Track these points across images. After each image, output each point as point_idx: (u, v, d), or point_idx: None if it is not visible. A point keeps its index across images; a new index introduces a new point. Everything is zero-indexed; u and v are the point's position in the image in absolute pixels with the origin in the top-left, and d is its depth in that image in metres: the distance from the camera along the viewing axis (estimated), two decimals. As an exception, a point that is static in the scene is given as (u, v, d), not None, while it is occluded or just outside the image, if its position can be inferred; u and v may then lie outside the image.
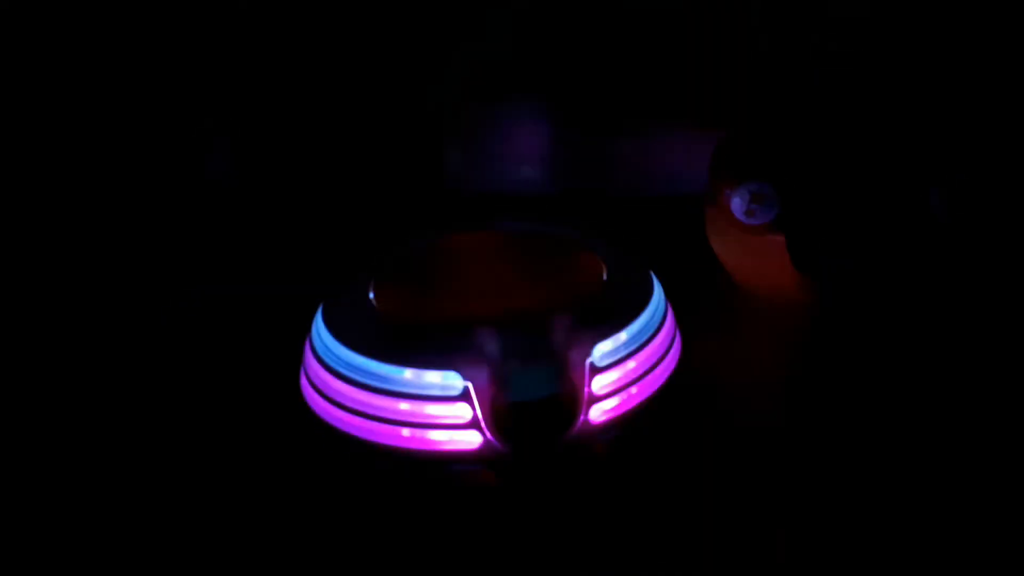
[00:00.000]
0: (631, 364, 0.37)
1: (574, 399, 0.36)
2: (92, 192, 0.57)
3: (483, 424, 0.35)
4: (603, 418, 0.37)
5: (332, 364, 0.37)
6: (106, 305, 0.51)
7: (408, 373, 0.36)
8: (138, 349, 0.47)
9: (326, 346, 0.38)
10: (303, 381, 0.40)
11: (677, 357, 0.40)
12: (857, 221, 0.45)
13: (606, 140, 0.61)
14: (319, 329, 0.39)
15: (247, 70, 0.58)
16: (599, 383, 0.36)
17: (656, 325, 0.39)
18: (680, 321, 0.42)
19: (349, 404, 0.37)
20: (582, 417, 0.36)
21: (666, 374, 0.39)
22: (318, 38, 0.57)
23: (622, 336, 0.37)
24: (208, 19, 0.56)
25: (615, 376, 0.37)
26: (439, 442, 0.36)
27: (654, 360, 0.38)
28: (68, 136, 0.57)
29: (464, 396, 0.35)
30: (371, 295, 0.39)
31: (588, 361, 0.36)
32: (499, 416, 0.35)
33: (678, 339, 0.41)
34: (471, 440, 0.36)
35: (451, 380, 0.35)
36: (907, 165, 0.45)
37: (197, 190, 0.59)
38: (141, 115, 0.58)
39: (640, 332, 0.38)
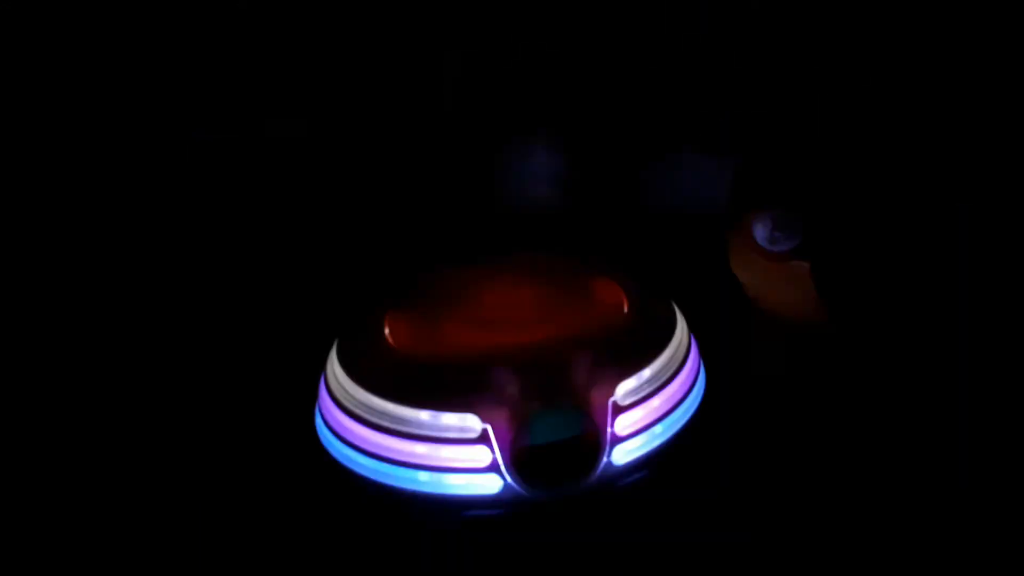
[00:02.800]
0: (655, 402, 0.36)
1: (597, 441, 0.34)
2: (98, 197, 0.56)
3: (503, 468, 0.34)
4: (627, 459, 0.35)
5: (347, 404, 0.36)
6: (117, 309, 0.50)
7: (425, 415, 0.35)
8: (151, 371, 0.46)
9: (341, 385, 0.37)
10: (317, 420, 0.39)
11: (702, 392, 0.39)
12: (883, 246, 0.44)
13: (626, 161, 0.60)
14: (334, 367, 0.38)
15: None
16: (622, 423, 0.35)
17: (680, 359, 0.38)
18: (703, 351, 0.41)
19: (364, 446, 0.36)
20: (605, 459, 0.35)
21: (691, 411, 0.38)
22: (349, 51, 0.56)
23: (646, 373, 0.36)
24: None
25: (639, 415, 0.36)
26: (457, 486, 0.35)
27: (679, 397, 0.37)
28: (70, 136, 0.56)
29: (483, 439, 0.34)
30: (386, 331, 0.38)
31: (611, 400, 0.35)
32: (519, 459, 0.34)
33: (702, 373, 0.40)
34: (490, 484, 0.34)
35: (469, 422, 0.34)
36: (933, 187, 0.44)
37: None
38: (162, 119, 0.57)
39: (664, 368, 0.37)
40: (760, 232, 0.44)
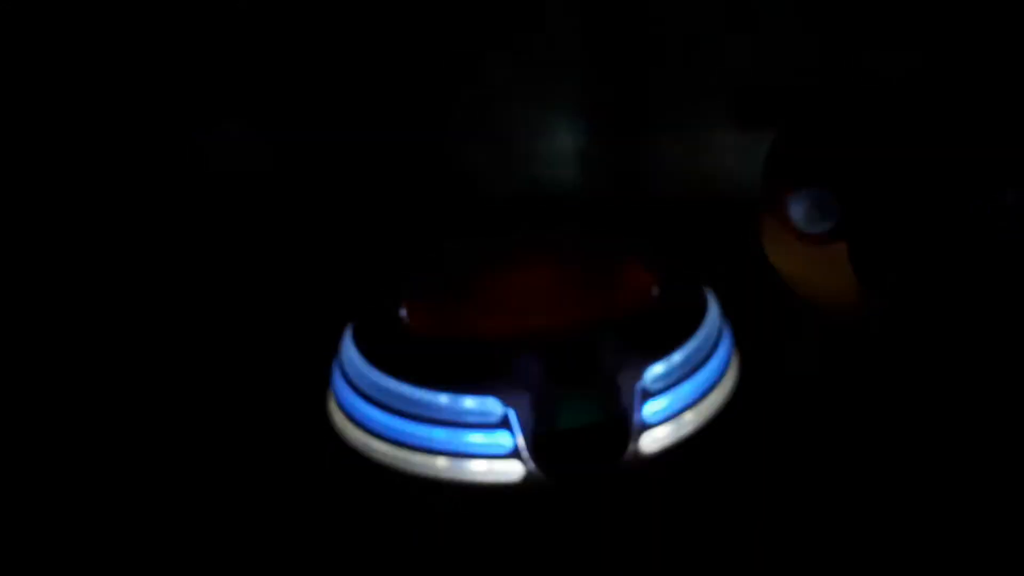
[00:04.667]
0: (685, 388, 0.34)
1: (623, 427, 0.33)
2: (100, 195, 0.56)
3: (525, 454, 0.32)
4: (655, 447, 0.34)
5: (363, 387, 0.35)
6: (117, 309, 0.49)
7: (444, 398, 0.33)
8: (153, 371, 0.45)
9: (356, 368, 0.36)
10: (331, 405, 0.37)
11: (735, 380, 0.37)
12: (924, 228, 0.42)
13: (647, 138, 0.58)
14: (348, 350, 0.37)
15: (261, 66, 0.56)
16: (650, 410, 0.33)
17: (711, 345, 0.36)
18: (736, 337, 0.39)
19: (380, 431, 0.34)
20: (632, 447, 0.33)
21: (723, 399, 0.36)
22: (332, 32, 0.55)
23: (675, 358, 0.34)
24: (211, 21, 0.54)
25: (668, 402, 0.34)
26: (477, 473, 0.33)
27: (710, 384, 0.35)
28: (72, 134, 0.55)
29: (504, 423, 0.33)
30: (403, 313, 0.37)
31: (638, 386, 0.33)
32: (542, 445, 0.32)
33: (735, 360, 0.38)
34: (512, 471, 0.33)
35: (490, 406, 0.33)
36: (978, 168, 0.41)
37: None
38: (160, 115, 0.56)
39: (695, 353, 0.35)
40: (797, 212, 0.42)
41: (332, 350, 0.39)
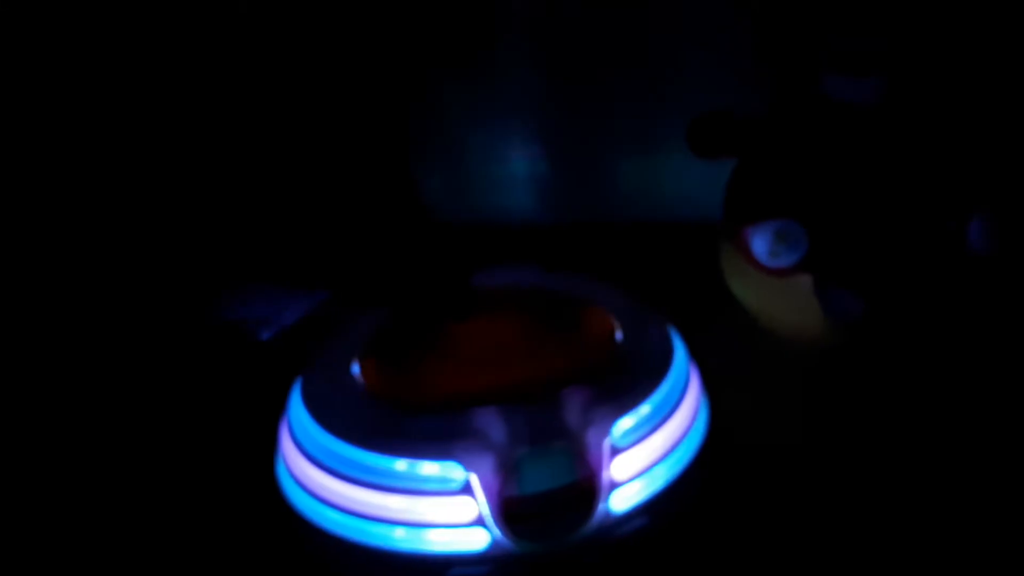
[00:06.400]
0: (656, 440, 0.33)
1: (593, 487, 0.31)
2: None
3: (490, 521, 0.30)
4: (626, 506, 0.32)
5: (312, 452, 0.33)
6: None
7: (401, 464, 0.31)
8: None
9: (305, 430, 0.33)
10: (279, 469, 0.35)
11: (706, 426, 0.35)
12: (889, 260, 0.41)
13: (604, 163, 0.56)
14: (297, 409, 0.34)
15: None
16: (621, 466, 0.32)
17: (681, 391, 0.34)
18: (702, 376, 0.37)
19: (332, 499, 0.32)
20: (602, 506, 0.31)
21: (694, 448, 0.34)
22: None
23: (644, 409, 0.33)
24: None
25: (639, 456, 0.32)
26: (439, 543, 0.31)
27: (681, 434, 0.34)
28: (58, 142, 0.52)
29: (466, 489, 0.30)
30: (355, 369, 0.34)
31: (607, 442, 0.31)
32: (508, 511, 0.30)
33: (705, 405, 0.36)
34: (476, 540, 0.31)
35: (451, 471, 0.30)
36: (943, 198, 0.41)
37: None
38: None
39: (664, 402, 0.33)
40: (759, 245, 0.40)
41: (279, 408, 0.36)
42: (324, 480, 0.32)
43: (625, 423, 0.32)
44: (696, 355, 0.38)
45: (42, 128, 0.51)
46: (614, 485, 0.31)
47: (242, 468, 0.37)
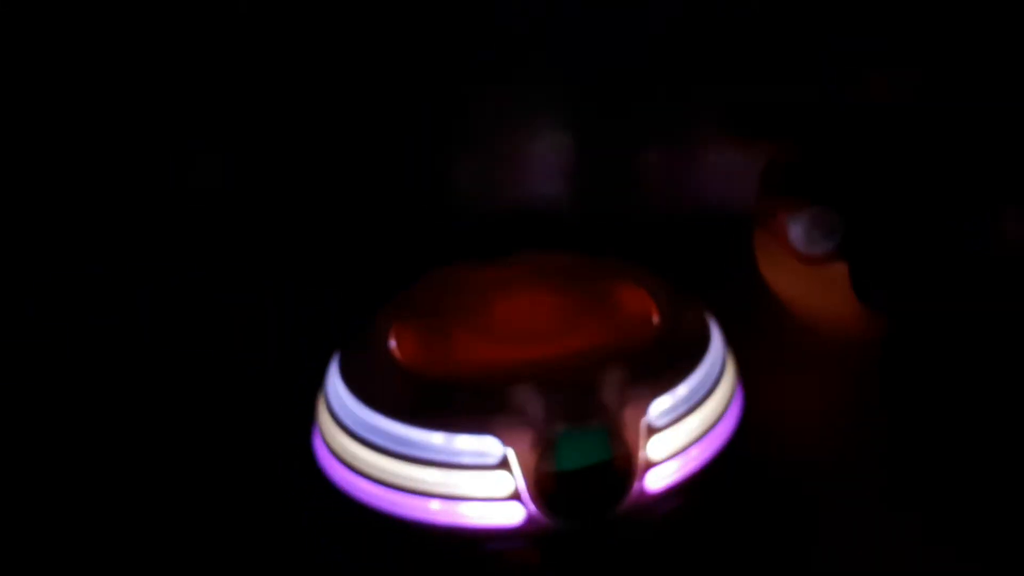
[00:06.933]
0: (692, 422, 0.33)
1: (629, 465, 0.31)
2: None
3: (526, 496, 0.30)
4: (662, 486, 0.32)
5: (350, 425, 0.33)
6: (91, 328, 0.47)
7: (438, 438, 0.31)
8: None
9: (344, 404, 0.33)
10: (316, 442, 0.35)
11: (740, 410, 0.35)
12: (924, 248, 0.41)
13: (636, 153, 0.56)
14: (335, 384, 0.34)
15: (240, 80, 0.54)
16: (656, 446, 0.32)
17: (717, 375, 0.34)
18: (737, 362, 0.37)
19: (370, 471, 0.32)
20: (638, 485, 0.31)
21: (729, 431, 0.34)
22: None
23: (681, 390, 0.33)
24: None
25: (674, 437, 0.32)
26: (474, 517, 0.31)
27: (716, 416, 0.34)
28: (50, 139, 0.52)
29: (503, 464, 0.31)
30: (392, 344, 0.34)
31: (644, 421, 0.31)
32: (544, 487, 0.30)
33: (739, 389, 0.36)
34: (512, 514, 0.31)
35: (488, 446, 0.31)
36: (977, 186, 0.41)
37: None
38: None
39: (701, 384, 0.33)
40: (796, 233, 0.40)
41: (317, 383, 0.36)
42: (361, 453, 0.32)
43: (662, 403, 0.32)
44: (731, 342, 0.38)
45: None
46: (650, 465, 0.31)
47: (280, 441, 0.37)
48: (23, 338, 0.46)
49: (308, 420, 0.36)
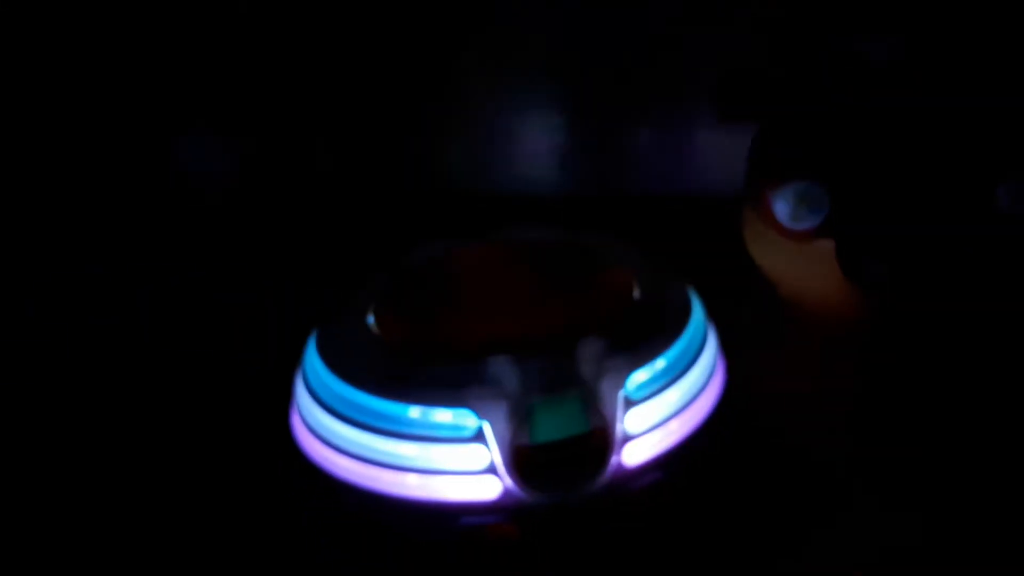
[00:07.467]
0: (671, 396, 0.32)
1: (606, 438, 0.31)
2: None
3: (501, 469, 0.30)
4: (639, 459, 0.32)
5: (327, 400, 0.33)
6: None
7: (414, 411, 0.31)
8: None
9: (320, 379, 0.33)
10: (294, 418, 0.35)
11: (721, 385, 0.35)
12: (914, 224, 0.40)
13: (624, 131, 0.56)
14: (312, 359, 0.34)
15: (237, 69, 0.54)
16: (634, 419, 0.31)
17: (697, 348, 0.34)
18: (720, 339, 0.37)
19: (345, 446, 0.32)
20: (615, 459, 0.31)
21: (710, 406, 0.34)
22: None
23: (660, 363, 0.32)
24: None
25: (653, 410, 0.32)
26: (450, 491, 0.31)
27: (696, 390, 0.33)
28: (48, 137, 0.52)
29: (479, 437, 0.30)
30: (370, 319, 0.34)
31: (621, 393, 0.31)
32: (520, 460, 0.30)
33: (721, 364, 0.36)
34: (488, 488, 0.31)
35: (464, 419, 0.30)
36: (970, 160, 0.40)
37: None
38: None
39: (680, 358, 0.33)
40: (782, 208, 0.40)
41: (295, 359, 0.36)
42: (337, 427, 0.32)
43: (640, 376, 0.32)
44: (715, 319, 0.37)
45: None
46: (627, 438, 0.31)
47: (257, 417, 0.37)
48: (23, 338, 0.46)
49: (285, 397, 0.36)
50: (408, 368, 0.32)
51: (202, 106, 0.55)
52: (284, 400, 0.36)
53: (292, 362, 0.36)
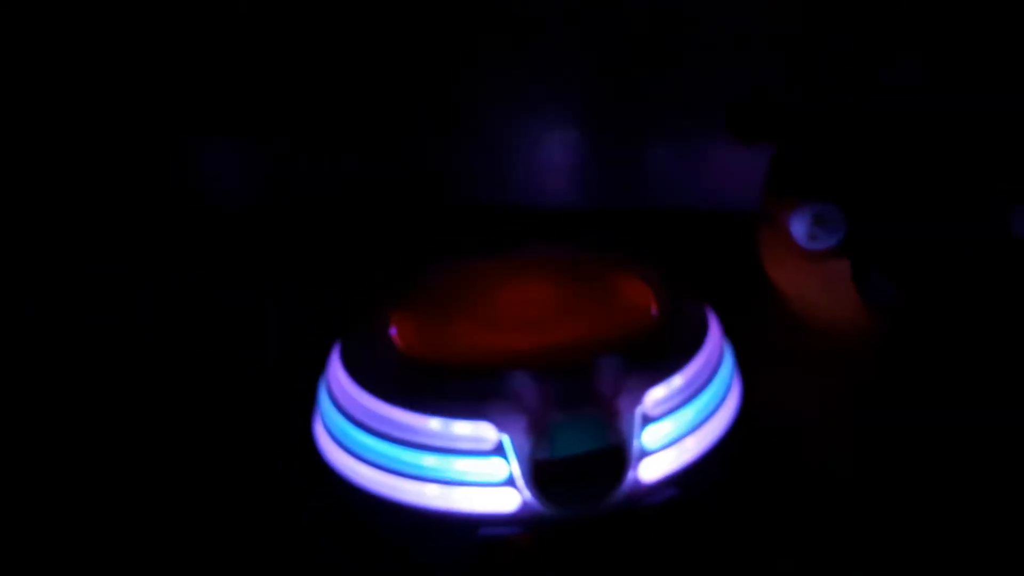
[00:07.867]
0: (687, 413, 0.33)
1: (623, 454, 0.31)
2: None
3: (520, 482, 0.31)
4: (655, 475, 0.32)
5: (350, 410, 0.33)
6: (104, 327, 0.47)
7: (435, 423, 0.32)
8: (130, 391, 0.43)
9: (344, 389, 0.34)
10: (317, 427, 0.36)
11: (738, 403, 0.36)
12: (929, 245, 0.41)
13: (641, 148, 0.57)
14: (336, 370, 0.35)
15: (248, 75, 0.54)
16: (651, 435, 0.32)
17: (714, 366, 0.35)
18: (736, 356, 0.37)
19: (368, 456, 0.33)
20: (632, 474, 0.31)
21: (726, 423, 0.34)
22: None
23: (677, 381, 0.33)
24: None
25: (669, 427, 0.32)
26: (469, 502, 0.31)
27: (713, 408, 0.34)
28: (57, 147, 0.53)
29: (498, 450, 0.31)
30: (393, 332, 0.35)
31: (639, 410, 0.32)
32: (538, 473, 0.31)
33: (738, 382, 0.36)
34: (506, 500, 0.31)
35: (484, 432, 0.31)
36: (984, 183, 0.40)
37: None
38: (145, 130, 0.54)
39: (697, 375, 0.34)
40: (799, 228, 0.40)
41: (319, 369, 0.37)
42: (360, 438, 0.33)
43: (657, 393, 0.32)
44: (731, 336, 0.38)
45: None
46: (644, 454, 0.32)
47: (281, 426, 0.38)
48: (23, 338, 0.47)
49: (308, 420, 0.37)
50: (431, 381, 0.32)
51: (213, 110, 0.55)
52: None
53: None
